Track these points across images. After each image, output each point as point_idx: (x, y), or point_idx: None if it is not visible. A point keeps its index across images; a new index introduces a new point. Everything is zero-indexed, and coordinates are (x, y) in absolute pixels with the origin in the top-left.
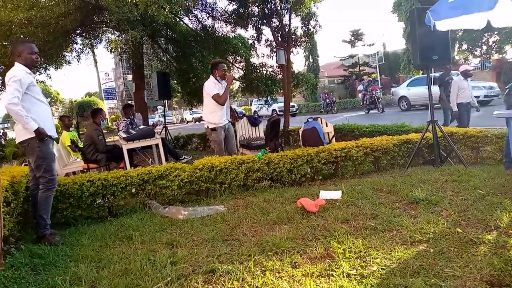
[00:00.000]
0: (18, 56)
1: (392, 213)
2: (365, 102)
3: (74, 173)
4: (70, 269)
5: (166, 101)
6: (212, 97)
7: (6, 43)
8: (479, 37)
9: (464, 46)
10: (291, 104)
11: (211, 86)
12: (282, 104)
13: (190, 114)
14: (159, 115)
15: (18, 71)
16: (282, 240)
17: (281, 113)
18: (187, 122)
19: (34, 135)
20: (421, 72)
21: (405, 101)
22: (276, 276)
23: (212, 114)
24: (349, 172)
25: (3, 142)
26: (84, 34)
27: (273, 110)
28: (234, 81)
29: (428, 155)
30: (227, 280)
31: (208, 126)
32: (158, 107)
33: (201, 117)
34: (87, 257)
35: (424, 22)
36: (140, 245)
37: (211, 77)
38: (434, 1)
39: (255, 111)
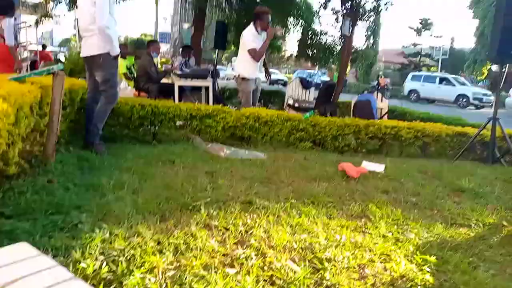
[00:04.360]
0: None
1: (435, 194)
2: None
3: None
4: (115, 175)
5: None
6: (248, 50)
7: None
8: None
9: None
10: None
11: (250, 38)
12: None
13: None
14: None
15: None
16: (319, 193)
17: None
18: None
19: (107, 51)
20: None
21: None
22: (311, 221)
23: (245, 66)
24: (394, 152)
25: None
26: None
27: None
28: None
29: (480, 152)
30: (263, 213)
31: (239, 75)
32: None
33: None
34: (131, 169)
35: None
36: (182, 170)
37: (251, 26)
38: None
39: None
